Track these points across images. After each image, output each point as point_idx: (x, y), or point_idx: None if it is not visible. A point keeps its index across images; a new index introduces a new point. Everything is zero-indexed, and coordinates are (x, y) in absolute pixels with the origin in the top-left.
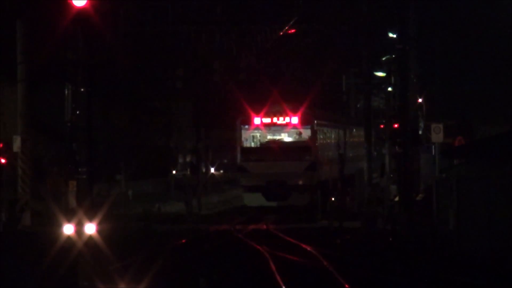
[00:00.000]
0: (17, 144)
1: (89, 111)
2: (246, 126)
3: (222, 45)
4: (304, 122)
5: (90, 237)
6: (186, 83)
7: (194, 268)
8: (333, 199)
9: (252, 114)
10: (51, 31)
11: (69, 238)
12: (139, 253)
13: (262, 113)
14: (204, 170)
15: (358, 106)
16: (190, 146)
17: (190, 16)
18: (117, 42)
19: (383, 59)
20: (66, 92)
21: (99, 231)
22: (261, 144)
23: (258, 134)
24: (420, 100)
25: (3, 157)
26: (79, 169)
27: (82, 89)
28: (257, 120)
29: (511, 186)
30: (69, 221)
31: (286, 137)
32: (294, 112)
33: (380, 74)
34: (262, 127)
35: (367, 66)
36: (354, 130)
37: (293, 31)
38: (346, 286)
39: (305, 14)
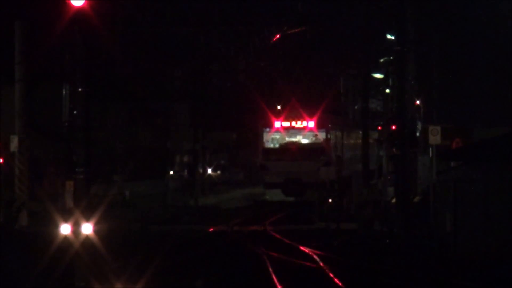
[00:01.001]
0: (14, 144)
1: (86, 111)
2: (267, 129)
3: (220, 46)
4: (319, 126)
5: (87, 238)
6: (183, 84)
7: (191, 269)
8: (330, 200)
9: (273, 118)
10: (49, 30)
11: (66, 238)
12: (136, 254)
13: (282, 117)
14: (201, 170)
15: (356, 107)
16: (187, 146)
17: (188, 17)
18: (115, 43)
19: (381, 60)
20: (64, 92)
21: (96, 232)
22: (281, 145)
23: (278, 136)
24: (418, 102)
25: (0, 157)
26: (76, 169)
27: (80, 89)
28: (277, 124)
29: (508, 188)
30: (66, 221)
31: (303, 139)
32: (311, 116)
33: (378, 75)
34: (281, 130)
35: (365, 67)
36: (360, 132)
37: (297, 30)
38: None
39: (303, 15)
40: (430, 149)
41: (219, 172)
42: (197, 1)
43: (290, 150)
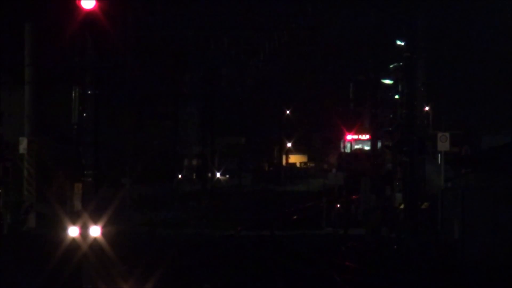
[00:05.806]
0: (23, 146)
1: (96, 114)
2: (342, 140)
3: (230, 50)
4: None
5: (95, 240)
6: (193, 87)
7: (198, 273)
8: (338, 206)
9: (346, 132)
10: (59, 33)
11: (74, 240)
12: (143, 257)
13: (352, 132)
14: (210, 174)
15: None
16: (196, 150)
17: (198, 20)
18: (125, 46)
19: (391, 67)
20: (73, 94)
21: (104, 234)
22: (351, 150)
23: (349, 145)
24: (427, 108)
25: (7, 159)
26: (85, 172)
27: (89, 92)
28: (349, 137)
29: None
30: (74, 223)
31: (365, 147)
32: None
33: (388, 82)
34: (352, 141)
35: (374, 73)
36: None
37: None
38: None
39: (313, 21)
40: (439, 155)
41: (227, 176)
42: (207, 5)
43: (357, 153)
